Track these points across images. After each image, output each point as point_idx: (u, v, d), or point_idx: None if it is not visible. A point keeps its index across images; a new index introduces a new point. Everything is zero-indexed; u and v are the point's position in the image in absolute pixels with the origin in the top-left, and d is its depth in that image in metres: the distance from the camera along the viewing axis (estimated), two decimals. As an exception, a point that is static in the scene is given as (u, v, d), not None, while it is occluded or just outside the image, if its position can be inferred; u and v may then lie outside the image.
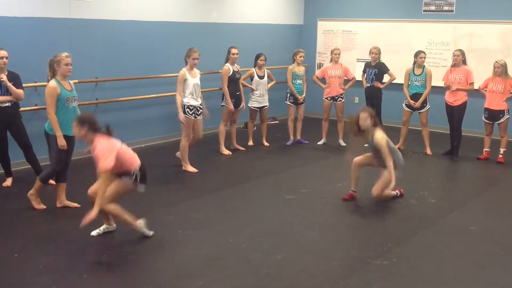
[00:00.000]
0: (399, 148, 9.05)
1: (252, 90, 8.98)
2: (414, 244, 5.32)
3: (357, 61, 11.35)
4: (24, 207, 6.14)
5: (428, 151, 8.85)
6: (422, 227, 5.75)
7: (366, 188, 7.20)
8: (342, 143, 9.40)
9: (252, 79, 9.02)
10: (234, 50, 8.42)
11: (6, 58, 6.41)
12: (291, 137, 9.40)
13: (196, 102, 7.46)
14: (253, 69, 9.01)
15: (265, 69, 9.13)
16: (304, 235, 5.50)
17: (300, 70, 9.24)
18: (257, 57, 9.00)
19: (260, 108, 9.13)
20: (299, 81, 9.24)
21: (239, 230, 5.57)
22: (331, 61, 9.35)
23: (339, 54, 9.18)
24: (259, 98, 9.06)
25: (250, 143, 9.21)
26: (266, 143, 9.28)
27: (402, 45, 10.84)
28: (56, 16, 7.70)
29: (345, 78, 9.33)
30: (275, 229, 5.68)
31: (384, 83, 9.05)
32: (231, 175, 7.52)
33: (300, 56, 9.19)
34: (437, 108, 9.16)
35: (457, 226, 5.82)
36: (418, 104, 8.64)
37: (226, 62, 8.49)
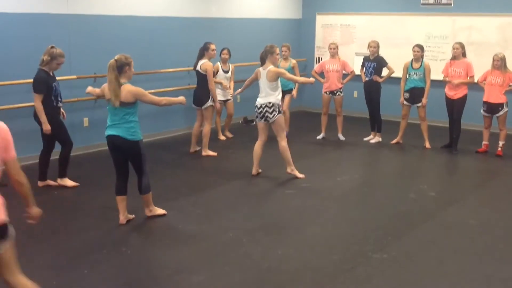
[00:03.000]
0: (397, 142, 9.10)
1: (223, 84, 8.89)
2: (413, 237, 5.34)
3: (356, 55, 11.34)
4: (22, 204, 6.14)
5: (427, 145, 8.86)
6: (422, 221, 5.76)
7: (366, 182, 7.21)
8: (341, 138, 9.41)
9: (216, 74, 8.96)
10: (213, 46, 8.07)
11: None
12: None
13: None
14: (218, 63, 8.99)
15: (230, 64, 9.12)
16: (304, 229, 5.51)
17: (285, 64, 9.06)
18: (220, 51, 8.98)
19: (225, 101, 9.13)
20: None
21: (239, 225, 5.58)
22: None
23: (334, 48, 9.15)
24: (223, 91, 9.04)
25: (221, 137, 9.29)
26: (229, 135, 9.42)
27: (401, 38, 10.83)
28: (54, 12, 7.68)
29: (344, 72, 9.32)
30: (276, 224, 5.69)
31: (383, 77, 9.05)
32: (230, 171, 7.52)
33: (282, 50, 8.98)
34: (436, 101, 9.16)
35: (456, 220, 5.83)
36: (425, 100, 8.62)
37: (203, 58, 8.00)
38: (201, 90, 8.01)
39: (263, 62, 7.04)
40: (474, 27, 10.29)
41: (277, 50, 7.03)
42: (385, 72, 9.11)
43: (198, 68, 8.01)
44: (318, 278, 4.47)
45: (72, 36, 7.89)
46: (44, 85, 6.28)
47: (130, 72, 5.31)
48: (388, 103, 9.78)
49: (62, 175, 6.66)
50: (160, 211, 5.77)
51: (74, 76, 7.83)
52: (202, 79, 7.96)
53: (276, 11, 11.64)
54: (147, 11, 8.94)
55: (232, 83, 9.23)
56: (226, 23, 10.38)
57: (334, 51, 9.15)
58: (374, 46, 9.00)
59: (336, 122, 9.43)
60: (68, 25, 7.86)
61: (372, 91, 9.09)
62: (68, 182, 6.65)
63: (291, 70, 8.82)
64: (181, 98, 5.66)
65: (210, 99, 8.03)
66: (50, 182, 6.64)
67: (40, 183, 6.59)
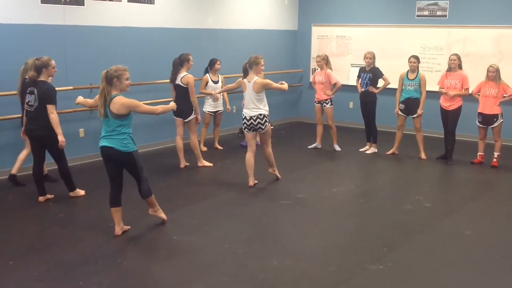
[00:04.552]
0: (393, 153, 9.12)
1: (213, 95, 8.87)
2: (409, 249, 5.33)
3: (351, 66, 11.40)
4: (20, 214, 6.13)
5: (423, 156, 8.88)
6: (418, 232, 5.76)
7: (362, 193, 7.21)
8: (337, 148, 9.42)
9: (206, 85, 8.99)
10: (192, 57, 7.98)
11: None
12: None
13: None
14: (207, 75, 8.99)
15: (219, 75, 9.15)
16: (301, 240, 5.51)
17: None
18: (214, 62, 8.98)
19: (215, 112, 9.17)
20: None
21: (235, 236, 5.57)
22: None
23: (319, 61, 9.19)
24: (213, 102, 9.06)
25: (203, 148, 9.16)
26: (219, 147, 9.46)
27: (396, 50, 10.89)
28: (51, 22, 7.70)
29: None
30: (272, 235, 5.68)
31: (379, 87, 9.08)
32: (226, 181, 7.52)
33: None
34: (431, 112, 9.19)
35: (452, 231, 5.83)
36: (420, 111, 8.65)
37: (181, 70, 7.87)
38: (184, 103, 7.76)
39: (246, 73, 7.16)
40: (469, 38, 10.36)
41: (262, 61, 7.12)
42: (380, 83, 9.13)
43: (179, 81, 7.84)
44: (314, 289, 4.47)
45: (68, 47, 7.91)
46: (56, 96, 6.36)
47: (121, 85, 5.26)
48: (383, 114, 9.80)
49: (72, 189, 6.67)
50: (162, 215, 5.81)
51: (70, 87, 7.83)
52: (183, 91, 7.82)
53: (273, 22, 11.69)
54: (144, 22, 8.97)
55: (225, 94, 9.23)
56: (223, 34, 10.42)
57: (319, 64, 9.22)
58: (370, 57, 9.03)
59: (330, 133, 9.44)
60: (64, 36, 7.87)
61: (367, 102, 9.12)
62: (81, 192, 6.70)
63: None
64: (172, 104, 5.76)
65: (193, 111, 7.96)
66: (49, 196, 6.56)
67: (41, 198, 6.48)
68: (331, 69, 9.24)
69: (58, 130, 6.25)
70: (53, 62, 6.37)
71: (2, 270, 4.74)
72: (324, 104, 9.27)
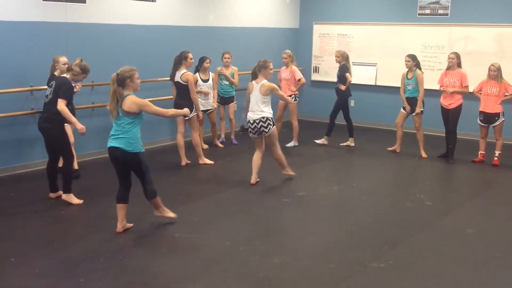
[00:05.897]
0: (394, 150, 9.12)
1: (205, 94, 8.88)
2: (410, 246, 5.34)
3: (353, 65, 11.36)
4: (21, 211, 6.14)
5: (423, 154, 8.87)
6: (419, 230, 5.76)
7: (363, 191, 7.22)
8: (291, 144, 9.48)
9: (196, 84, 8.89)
10: (191, 55, 8.01)
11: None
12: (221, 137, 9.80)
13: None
14: (197, 74, 8.90)
15: (210, 73, 9.10)
16: (301, 238, 5.52)
17: (227, 71, 9.42)
18: (203, 60, 8.89)
19: (205, 111, 9.03)
20: (225, 82, 9.44)
21: (236, 233, 5.58)
22: None
23: (286, 58, 9.30)
24: (203, 101, 8.94)
25: (205, 146, 9.14)
26: (219, 144, 9.53)
27: (397, 48, 10.87)
28: (52, 20, 7.70)
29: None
30: (272, 232, 5.69)
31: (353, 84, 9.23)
32: (228, 179, 7.53)
33: (224, 58, 9.38)
34: (432, 111, 9.19)
35: (453, 229, 5.84)
36: (418, 109, 8.65)
37: (181, 68, 7.94)
38: (184, 100, 7.76)
39: (255, 76, 7.21)
40: (471, 37, 10.35)
41: (271, 65, 7.20)
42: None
43: (178, 79, 7.88)
44: (315, 287, 4.47)
45: (70, 44, 7.90)
46: (72, 94, 6.34)
47: (133, 84, 5.38)
48: (384, 112, 9.80)
49: (67, 191, 6.33)
50: (169, 214, 5.77)
51: (72, 84, 7.82)
52: (183, 89, 7.83)
53: (274, 20, 11.69)
54: (145, 20, 8.96)
55: (215, 92, 9.19)
56: (224, 32, 10.42)
57: (285, 60, 9.32)
58: (337, 55, 9.36)
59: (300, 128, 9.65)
60: (66, 33, 7.87)
61: (337, 97, 9.44)
62: (74, 200, 6.33)
63: (233, 76, 9.44)
64: (186, 110, 5.81)
65: (194, 108, 7.94)
66: (61, 193, 6.44)
67: (52, 195, 6.46)
68: (296, 66, 9.38)
69: (72, 119, 6.15)
70: (88, 74, 6.44)
71: (3, 266, 4.75)
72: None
